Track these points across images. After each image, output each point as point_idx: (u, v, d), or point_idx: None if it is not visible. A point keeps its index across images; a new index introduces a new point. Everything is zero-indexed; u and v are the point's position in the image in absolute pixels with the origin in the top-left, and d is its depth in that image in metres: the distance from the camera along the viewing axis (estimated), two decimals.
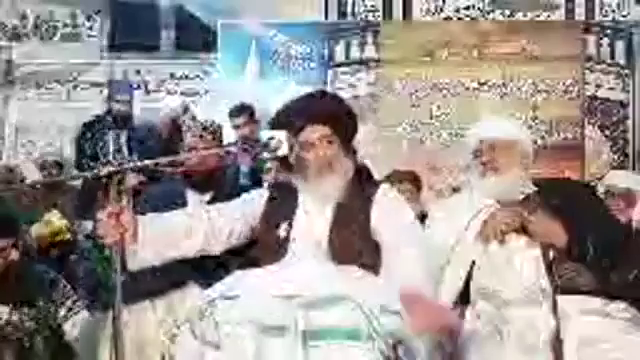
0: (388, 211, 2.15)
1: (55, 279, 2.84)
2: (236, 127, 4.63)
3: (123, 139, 4.83)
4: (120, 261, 1.91)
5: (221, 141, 2.96)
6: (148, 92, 6.06)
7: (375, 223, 2.13)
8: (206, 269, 2.34)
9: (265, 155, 2.09)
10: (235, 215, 2.24)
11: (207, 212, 2.21)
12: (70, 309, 2.80)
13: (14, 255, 2.69)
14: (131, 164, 1.95)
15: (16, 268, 2.71)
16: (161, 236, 2.08)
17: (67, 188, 4.59)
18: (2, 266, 2.65)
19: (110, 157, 4.75)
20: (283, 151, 1.98)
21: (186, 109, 5.10)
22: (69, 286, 2.88)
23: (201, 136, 2.79)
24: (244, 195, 2.36)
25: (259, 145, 2.03)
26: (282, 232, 2.17)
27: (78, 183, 4.60)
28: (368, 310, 1.76)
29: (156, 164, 2.30)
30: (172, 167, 2.85)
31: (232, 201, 2.32)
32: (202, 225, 2.17)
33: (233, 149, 2.96)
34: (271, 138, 1.97)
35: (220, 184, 2.81)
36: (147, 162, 2.22)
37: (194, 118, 3.49)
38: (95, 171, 1.85)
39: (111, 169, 1.85)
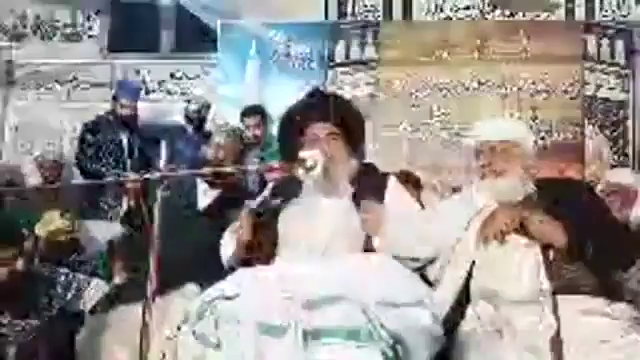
0: (396, 200, 2.27)
1: (55, 276, 2.81)
2: (247, 127, 4.72)
3: (124, 140, 4.84)
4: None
5: (242, 142, 3.05)
6: (148, 92, 6.06)
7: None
8: (206, 269, 2.34)
9: (300, 173, 2.15)
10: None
11: None
12: (79, 289, 2.79)
13: (19, 265, 2.65)
14: (158, 174, 1.99)
15: (18, 280, 2.64)
16: None
17: (70, 188, 4.58)
18: (6, 275, 2.57)
19: (111, 158, 4.75)
20: (317, 171, 2.02)
21: (208, 105, 5.18)
22: (71, 274, 2.86)
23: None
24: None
25: (295, 165, 2.07)
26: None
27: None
28: (368, 310, 1.76)
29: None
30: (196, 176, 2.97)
31: None
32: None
33: (270, 166, 3.19)
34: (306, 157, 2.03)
35: (229, 186, 2.95)
36: (173, 174, 2.27)
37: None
38: (121, 179, 1.87)
39: (135, 177, 1.88)
